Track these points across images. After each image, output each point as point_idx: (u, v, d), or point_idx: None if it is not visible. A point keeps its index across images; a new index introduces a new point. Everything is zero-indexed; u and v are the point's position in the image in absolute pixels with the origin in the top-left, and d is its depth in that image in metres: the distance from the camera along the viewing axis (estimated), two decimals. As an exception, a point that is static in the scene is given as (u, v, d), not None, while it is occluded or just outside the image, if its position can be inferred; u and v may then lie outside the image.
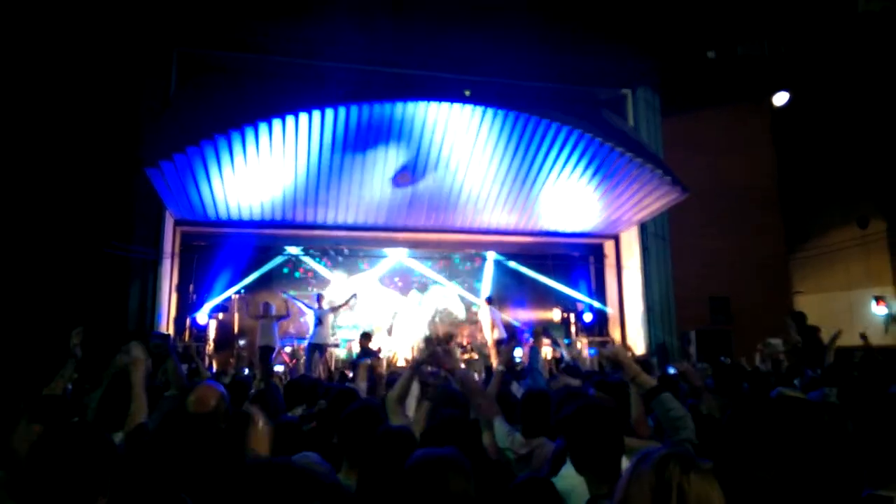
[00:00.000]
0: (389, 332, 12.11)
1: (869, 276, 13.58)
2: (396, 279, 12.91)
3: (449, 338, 9.61)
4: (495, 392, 3.67)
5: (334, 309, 10.30)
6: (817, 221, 14.76)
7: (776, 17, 10.90)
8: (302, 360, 10.35)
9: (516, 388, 4.88)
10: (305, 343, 10.41)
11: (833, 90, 12.81)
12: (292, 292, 11.48)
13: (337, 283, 12.27)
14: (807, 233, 14.65)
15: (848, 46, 11.26)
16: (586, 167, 10.54)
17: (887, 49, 11.17)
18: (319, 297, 10.21)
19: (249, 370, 8.98)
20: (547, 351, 9.82)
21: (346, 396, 3.79)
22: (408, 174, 10.40)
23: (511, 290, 12.88)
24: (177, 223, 10.73)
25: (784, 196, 13.50)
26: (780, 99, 12.28)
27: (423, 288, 13.00)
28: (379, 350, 9.87)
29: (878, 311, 13.47)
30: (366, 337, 9.05)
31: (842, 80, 12.37)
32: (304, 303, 10.95)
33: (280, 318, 10.25)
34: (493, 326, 10.87)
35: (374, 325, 12.11)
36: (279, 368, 9.98)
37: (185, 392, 3.26)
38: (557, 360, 8.73)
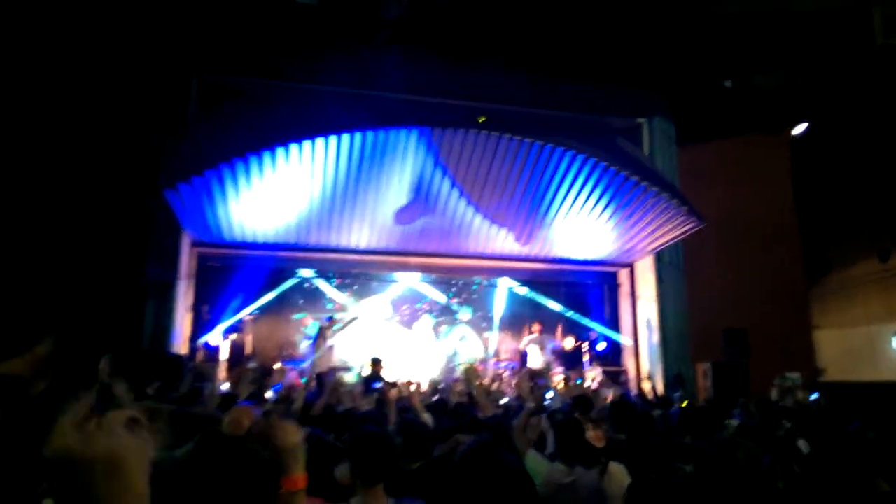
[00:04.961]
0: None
1: (890, 312, 13.29)
2: (405, 307, 12.88)
3: (472, 372, 9.57)
4: (523, 427, 3.68)
5: (338, 331, 10.34)
6: (837, 254, 14.53)
7: (794, 47, 10.89)
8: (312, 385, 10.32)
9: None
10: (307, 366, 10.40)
11: (853, 121, 12.71)
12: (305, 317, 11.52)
13: (348, 306, 12.30)
14: (827, 266, 14.43)
15: (867, 78, 11.21)
16: (601, 196, 10.52)
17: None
18: (330, 320, 10.22)
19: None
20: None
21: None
22: (417, 208, 10.50)
23: (523, 318, 12.79)
24: (193, 244, 10.86)
25: (803, 228, 13.34)
26: (799, 129, 12.23)
27: (437, 312, 12.95)
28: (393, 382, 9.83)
29: (901, 346, 13.16)
30: (376, 363, 8.99)
31: (861, 112, 12.28)
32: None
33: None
34: (541, 351, 10.87)
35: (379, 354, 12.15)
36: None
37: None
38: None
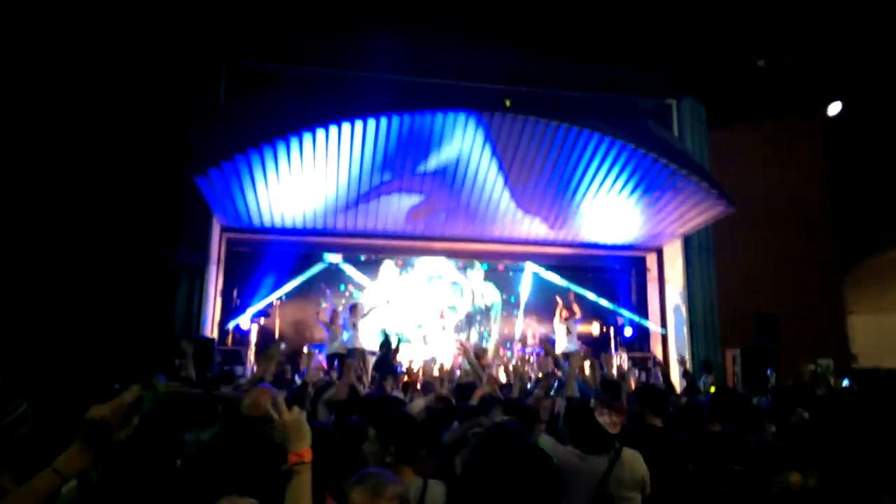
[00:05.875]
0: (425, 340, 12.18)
1: (928, 296, 12.93)
2: (431, 291, 12.94)
3: (481, 353, 9.63)
4: (535, 410, 3.67)
5: (364, 316, 10.42)
6: (872, 238, 14.13)
7: (829, 24, 10.54)
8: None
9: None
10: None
11: (890, 101, 12.29)
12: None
13: (373, 291, 12.40)
14: (861, 250, 14.06)
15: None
16: (629, 178, 10.37)
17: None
18: (353, 308, 10.34)
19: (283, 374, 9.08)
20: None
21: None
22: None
23: (550, 302, 12.76)
24: (223, 230, 11.03)
25: (837, 211, 13.01)
26: (834, 109, 11.89)
27: (463, 297, 13.00)
28: (410, 363, 9.90)
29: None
30: (385, 345, 9.08)
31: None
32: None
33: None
34: (567, 335, 10.87)
35: (410, 333, 12.21)
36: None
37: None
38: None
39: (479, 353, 9.47)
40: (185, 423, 3.01)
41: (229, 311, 11.17)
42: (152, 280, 9.57)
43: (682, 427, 4.34)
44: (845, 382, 8.67)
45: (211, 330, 10.44)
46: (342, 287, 12.41)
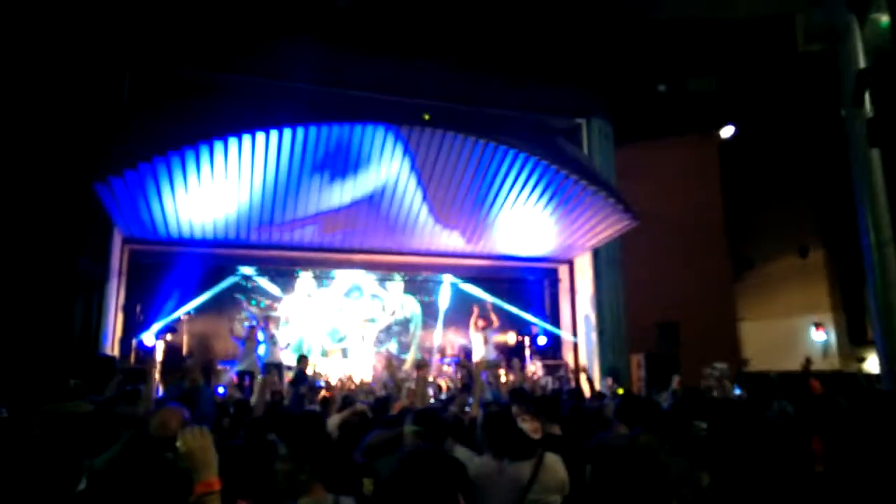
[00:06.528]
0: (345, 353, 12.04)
1: (808, 304, 14.20)
2: (348, 303, 12.83)
3: (422, 364, 9.63)
4: None
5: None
6: (761, 250, 15.38)
7: (724, 53, 11.42)
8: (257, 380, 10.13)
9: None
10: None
11: (776, 125, 13.46)
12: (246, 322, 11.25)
13: (289, 304, 12.13)
14: (751, 261, 15.26)
15: (790, 84, 11.89)
16: (542, 193, 10.75)
17: (825, 86, 11.84)
18: (268, 320, 10.09)
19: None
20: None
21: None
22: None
23: (468, 313, 12.93)
24: (125, 241, 10.44)
25: (730, 225, 14.05)
26: (727, 132, 12.86)
27: (381, 309, 12.96)
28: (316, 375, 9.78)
29: (817, 337, 14.09)
30: (302, 360, 8.93)
31: (783, 115, 13.03)
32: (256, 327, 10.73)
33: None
34: (485, 344, 10.98)
35: (328, 347, 12.03)
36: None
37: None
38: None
39: (422, 363, 9.44)
40: (85, 447, 2.85)
41: (133, 327, 10.55)
42: (47, 293, 8.90)
43: (590, 431, 4.51)
44: (737, 391, 9.27)
45: (112, 347, 9.83)
46: (254, 302, 12.05)
